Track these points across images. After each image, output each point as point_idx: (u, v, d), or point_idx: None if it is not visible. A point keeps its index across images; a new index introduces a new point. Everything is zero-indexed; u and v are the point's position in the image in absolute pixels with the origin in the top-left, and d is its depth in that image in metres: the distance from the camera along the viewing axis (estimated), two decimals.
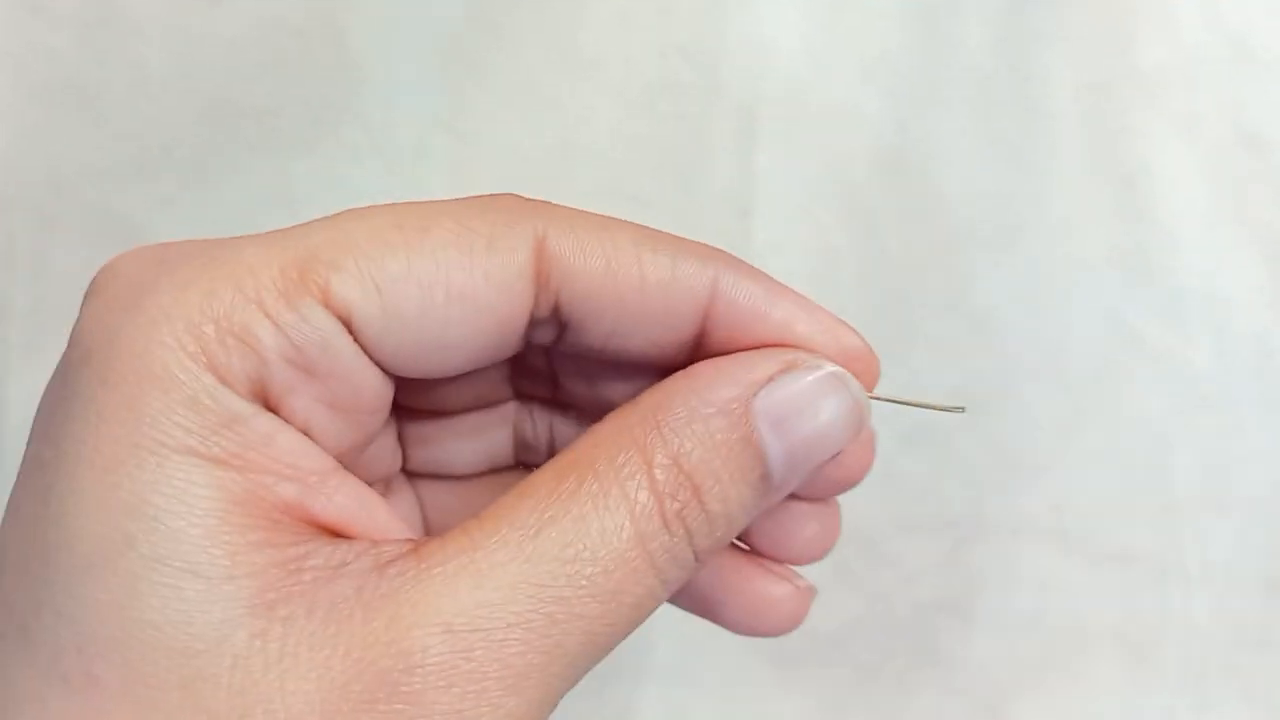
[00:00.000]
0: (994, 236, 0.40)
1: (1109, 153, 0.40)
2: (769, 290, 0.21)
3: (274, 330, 0.18)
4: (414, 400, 0.23)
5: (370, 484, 0.22)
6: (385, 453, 0.23)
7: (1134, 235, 0.40)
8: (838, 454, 0.21)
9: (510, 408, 0.25)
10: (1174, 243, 0.40)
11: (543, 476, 0.19)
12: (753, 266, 0.22)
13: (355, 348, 0.19)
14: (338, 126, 0.40)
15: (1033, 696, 0.39)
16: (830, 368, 0.21)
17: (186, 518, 0.17)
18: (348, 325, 0.19)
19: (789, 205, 0.40)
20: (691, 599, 0.24)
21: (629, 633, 0.19)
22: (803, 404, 0.20)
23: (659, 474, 0.19)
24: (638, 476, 0.19)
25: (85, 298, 0.19)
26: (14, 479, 0.19)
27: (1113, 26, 0.41)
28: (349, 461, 0.21)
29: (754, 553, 0.24)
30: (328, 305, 0.19)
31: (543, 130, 0.40)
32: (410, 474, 0.24)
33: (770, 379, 0.20)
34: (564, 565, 0.18)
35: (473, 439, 0.24)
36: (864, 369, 0.22)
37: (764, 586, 0.24)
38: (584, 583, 0.18)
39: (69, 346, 0.19)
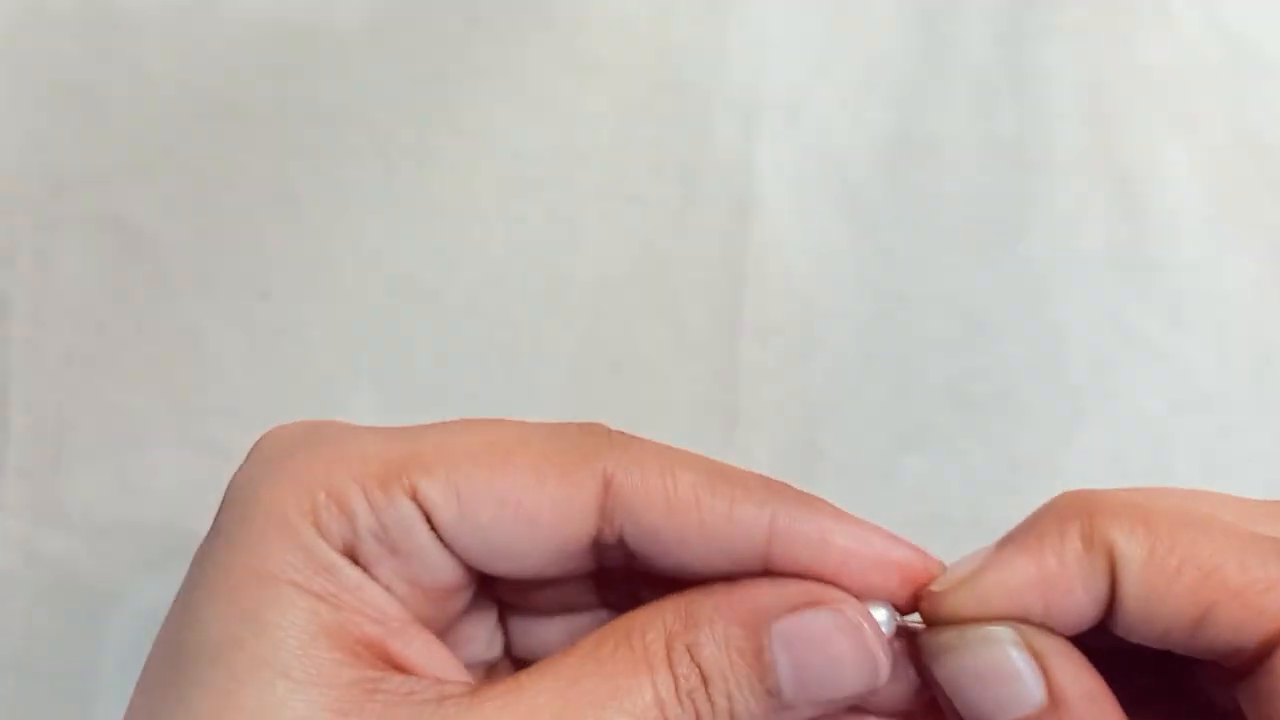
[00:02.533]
0: (994, 236, 0.40)
1: (1108, 152, 0.40)
2: (824, 530, 0.24)
3: (367, 507, 0.23)
4: (514, 599, 0.27)
5: (468, 666, 0.26)
6: (480, 641, 0.27)
7: (1133, 235, 0.40)
8: (861, 694, 0.23)
9: (601, 614, 0.27)
10: (1173, 242, 0.40)
11: (588, 639, 0.23)
12: (813, 499, 0.24)
13: (433, 537, 0.23)
14: (338, 126, 0.40)
15: None
16: (851, 613, 0.23)
17: (287, 631, 0.21)
18: (428, 518, 0.23)
19: (789, 205, 0.40)
20: None
21: None
22: (817, 637, 0.23)
23: (676, 657, 0.22)
24: (661, 655, 0.22)
25: (247, 455, 0.24)
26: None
27: (1113, 26, 0.41)
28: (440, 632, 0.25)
29: None
30: (414, 499, 0.23)
31: (543, 130, 0.40)
32: (515, 661, 0.28)
33: (796, 608, 0.23)
34: (596, 711, 0.21)
35: (564, 636, 0.27)
36: (918, 583, 0.24)
37: None
38: None
39: (226, 491, 0.24)
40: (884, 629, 0.24)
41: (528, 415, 0.26)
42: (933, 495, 0.39)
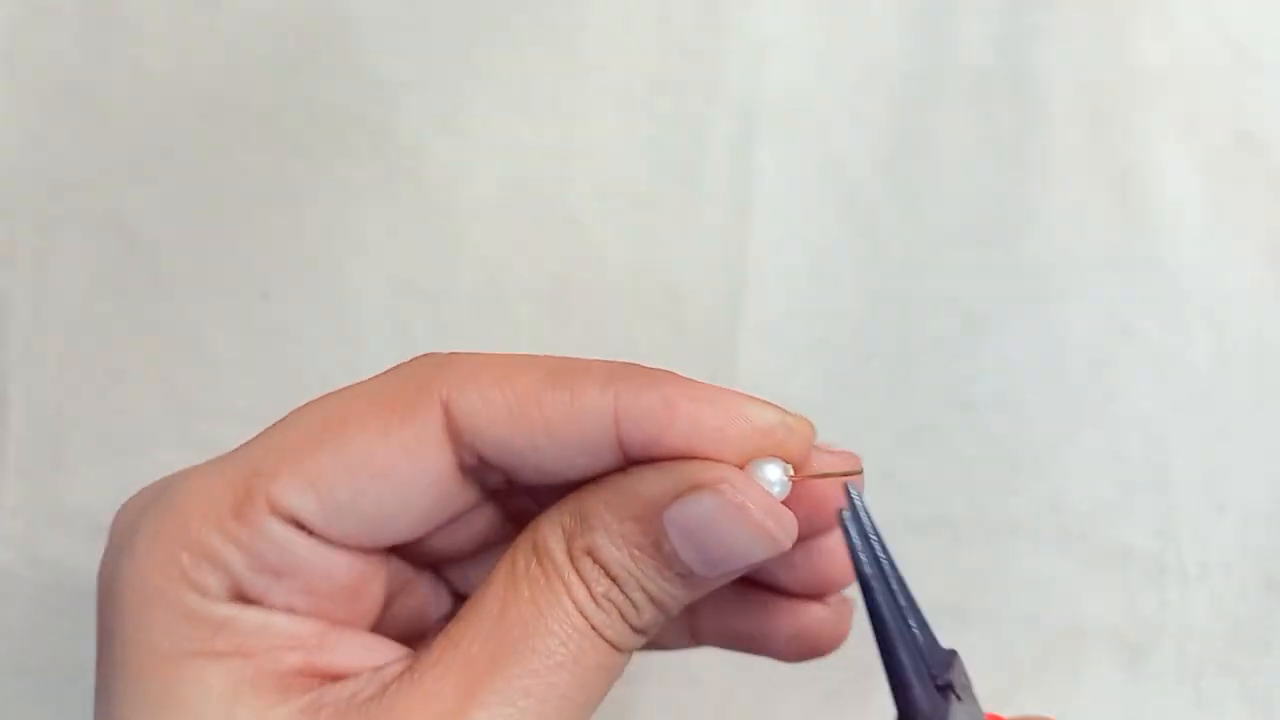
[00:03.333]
0: (993, 236, 0.40)
1: (1108, 152, 0.40)
2: (668, 397, 0.23)
3: (233, 547, 0.22)
4: (439, 556, 0.26)
5: (423, 627, 0.26)
6: (427, 602, 0.27)
7: (1132, 234, 0.40)
8: (771, 556, 0.23)
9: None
10: (1173, 242, 0.40)
11: (502, 563, 0.23)
12: (657, 371, 0.23)
13: (309, 540, 0.22)
14: (338, 126, 0.40)
15: (1031, 696, 0.39)
16: (731, 493, 0.22)
17: (207, 702, 0.21)
18: (297, 524, 0.22)
19: (789, 205, 0.40)
20: (737, 639, 0.26)
21: (602, 692, 0.22)
22: (705, 521, 0.22)
23: (581, 565, 0.22)
24: (566, 564, 0.22)
25: (107, 541, 0.24)
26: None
27: (1113, 26, 0.41)
28: (372, 621, 0.24)
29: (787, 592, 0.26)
30: (275, 513, 0.22)
31: (543, 130, 0.40)
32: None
33: (681, 494, 0.22)
34: (527, 641, 0.22)
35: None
36: (786, 440, 0.23)
37: (803, 614, 0.26)
38: (548, 655, 0.22)
39: (97, 588, 0.23)
40: (776, 489, 0.23)
41: None
42: (933, 495, 0.40)
